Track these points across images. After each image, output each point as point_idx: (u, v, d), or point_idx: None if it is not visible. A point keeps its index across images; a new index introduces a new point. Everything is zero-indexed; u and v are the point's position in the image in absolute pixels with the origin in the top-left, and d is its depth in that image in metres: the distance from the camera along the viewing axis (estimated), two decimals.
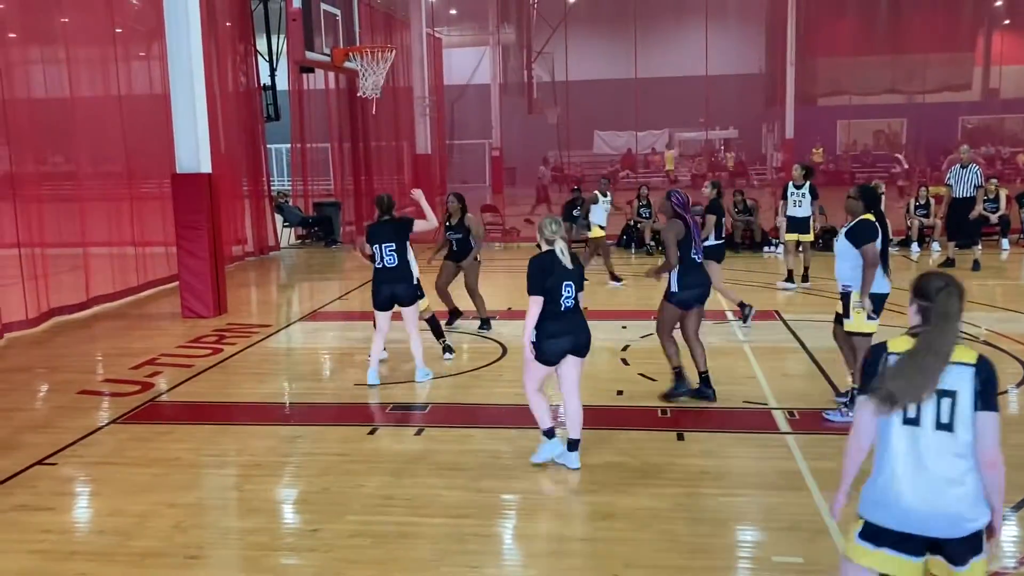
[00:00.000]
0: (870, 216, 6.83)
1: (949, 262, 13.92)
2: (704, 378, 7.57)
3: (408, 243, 8.25)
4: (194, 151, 11.44)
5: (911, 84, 31.05)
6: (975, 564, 3.20)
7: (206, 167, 11.57)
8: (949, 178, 14.27)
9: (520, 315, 11.12)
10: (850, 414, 6.55)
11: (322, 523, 5.36)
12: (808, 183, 12.53)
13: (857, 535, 3.33)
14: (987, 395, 3.18)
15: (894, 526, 3.23)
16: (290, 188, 21.60)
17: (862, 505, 3.33)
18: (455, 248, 10.31)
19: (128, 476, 6.19)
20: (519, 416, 6.99)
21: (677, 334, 7.63)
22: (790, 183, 12.82)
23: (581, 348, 6.00)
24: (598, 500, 5.59)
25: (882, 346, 3.31)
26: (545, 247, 5.97)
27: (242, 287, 14.44)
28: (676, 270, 7.40)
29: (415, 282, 8.31)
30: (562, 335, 5.89)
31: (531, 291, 5.81)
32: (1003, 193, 16.60)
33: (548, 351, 5.90)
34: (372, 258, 8.26)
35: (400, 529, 5.26)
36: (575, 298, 5.94)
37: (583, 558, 4.88)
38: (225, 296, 12.00)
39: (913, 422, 3.19)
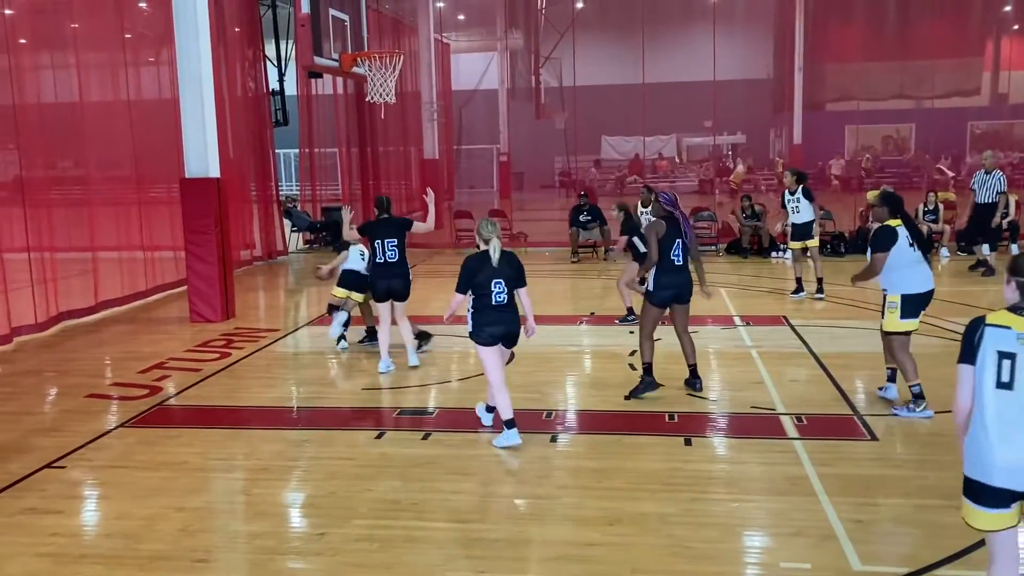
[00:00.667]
0: (894, 222, 7.11)
1: (981, 263, 14.17)
2: (692, 370, 7.89)
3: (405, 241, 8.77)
4: (203, 156, 11.49)
5: (920, 89, 31.02)
6: None
7: (215, 171, 11.62)
8: (973, 183, 14.49)
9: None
10: (916, 411, 7.07)
11: (329, 527, 5.37)
12: (801, 187, 12.30)
13: (963, 494, 3.77)
14: None
15: (986, 481, 3.65)
16: (298, 193, 21.65)
17: (965, 464, 3.79)
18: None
19: (136, 480, 6.21)
20: (526, 421, 6.99)
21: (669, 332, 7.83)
22: (785, 191, 12.66)
23: (508, 339, 6.64)
24: (605, 505, 5.58)
25: (980, 319, 3.67)
26: (482, 247, 6.59)
27: (250, 291, 14.48)
28: (655, 270, 7.69)
29: (410, 277, 8.86)
30: (494, 324, 6.53)
31: (457, 288, 6.59)
32: (1012, 199, 16.53)
33: (485, 336, 6.53)
34: (332, 273, 9.41)
35: (407, 533, 5.26)
36: (507, 294, 6.53)
37: (590, 563, 4.87)
38: (233, 300, 12.03)
39: (1007, 386, 3.57)
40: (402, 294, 8.78)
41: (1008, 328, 3.59)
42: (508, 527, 5.41)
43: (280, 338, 10.77)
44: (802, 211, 12.29)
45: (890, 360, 7.38)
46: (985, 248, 14.30)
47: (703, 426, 7.12)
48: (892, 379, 7.54)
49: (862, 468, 6.11)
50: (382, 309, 8.84)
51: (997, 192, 14.07)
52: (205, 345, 10.34)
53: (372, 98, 13.69)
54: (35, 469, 6.42)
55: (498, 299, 6.50)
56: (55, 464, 6.53)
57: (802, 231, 12.38)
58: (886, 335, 7.24)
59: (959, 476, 5.82)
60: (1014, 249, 16.00)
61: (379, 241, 8.63)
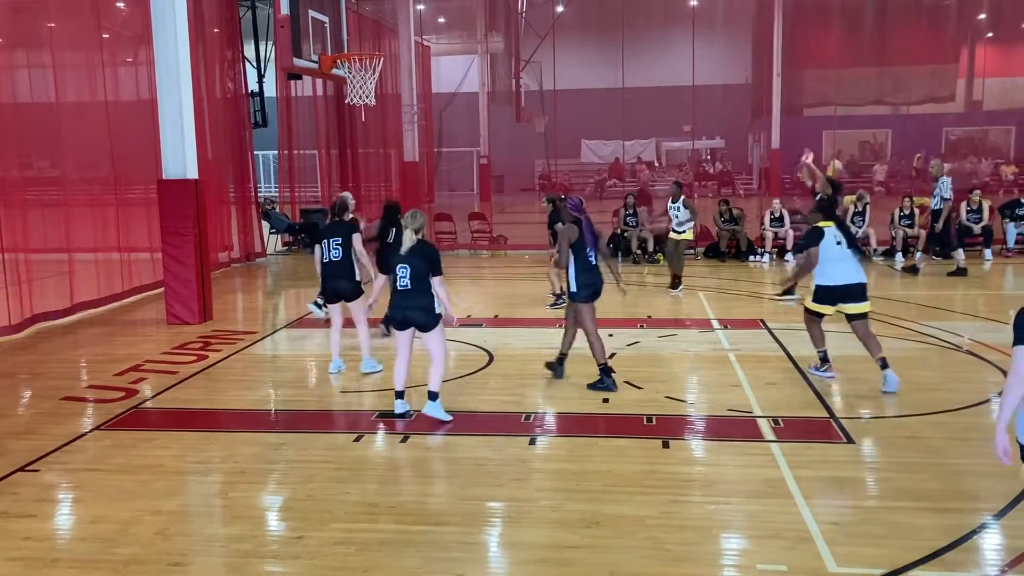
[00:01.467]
0: (825, 224, 8.19)
1: (960, 271, 14.43)
2: (604, 369, 8.19)
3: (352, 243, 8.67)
4: (180, 157, 11.42)
5: (896, 95, 31.33)
6: None
7: (192, 173, 11.55)
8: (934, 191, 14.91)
9: (506, 322, 11.14)
10: (820, 371, 8.44)
11: (306, 531, 5.35)
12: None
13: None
14: None
15: None
16: (277, 195, 21.56)
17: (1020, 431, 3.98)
18: None
19: (111, 483, 6.15)
20: (505, 424, 7.00)
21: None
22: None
23: (407, 322, 7.18)
24: (584, 508, 5.60)
25: None
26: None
27: (228, 294, 14.40)
28: (573, 270, 8.15)
29: (358, 278, 8.78)
30: (394, 308, 7.20)
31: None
32: (986, 204, 16.76)
33: (392, 317, 7.32)
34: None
35: (384, 537, 5.25)
36: (409, 279, 7.02)
37: (568, 566, 4.88)
38: (211, 302, 11.96)
39: None
40: (350, 295, 8.79)
41: None
42: (486, 530, 5.41)
43: (258, 340, 10.72)
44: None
45: (876, 351, 8.01)
46: (918, 255, 15.19)
47: (681, 429, 7.15)
48: (884, 366, 7.94)
49: (838, 470, 6.17)
50: (333, 311, 8.97)
51: (942, 199, 14.58)
52: (182, 347, 10.27)
53: (352, 100, 13.65)
54: (8, 472, 6.35)
55: (401, 283, 7.06)
56: (28, 467, 6.46)
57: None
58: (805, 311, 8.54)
59: (934, 478, 5.93)
60: (987, 254, 16.20)
61: (324, 241, 8.69)
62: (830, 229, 8.12)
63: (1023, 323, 3.97)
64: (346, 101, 14.08)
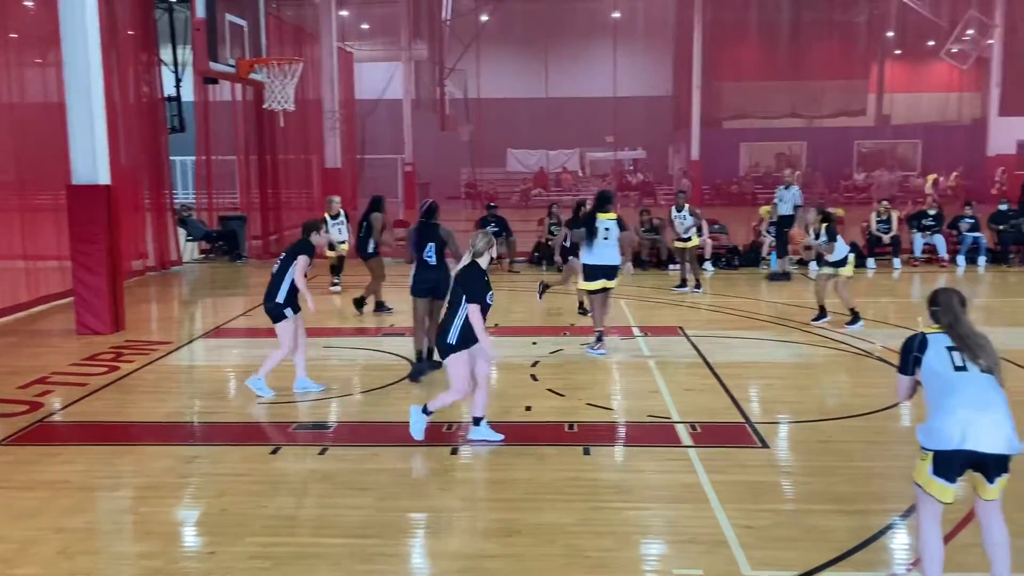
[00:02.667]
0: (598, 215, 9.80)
1: (784, 275, 15.52)
2: (425, 353, 9.08)
3: (295, 264, 8.12)
4: (91, 162, 11.05)
5: (810, 109, 32.34)
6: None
7: (104, 178, 11.18)
8: (776, 197, 16.27)
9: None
10: (595, 350, 9.81)
11: (220, 545, 5.20)
12: (825, 227, 11.16)
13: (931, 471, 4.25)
14: None
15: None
16: (195, 201, 21.05)
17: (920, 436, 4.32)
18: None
19: (11, 501, 5.88)
20: (427, 433, 6.93)
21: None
22: (808, 228, 11.68)
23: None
24: (505, 517, 5.58)
25: (918, 333, 4.50)
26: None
27: (142, 303, 13.98)
28: (414, 267, 9.06)
29: (280, 300, 8.11)
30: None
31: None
32: (895, 215, 17.39)
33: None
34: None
35: (302, 550, 5.14)
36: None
37: (489, 575, 4.85)
38: (123, 312, 11.58)
39: (962, 369, 4.31)
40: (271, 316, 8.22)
41: (943, 333, 4.43)
42: (406, 542, 5.35)
43: (173, 351, 10.42)
44: (836, 249, 11.15)
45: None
46: (773, 259, 16.07)
47: (601, 435, 7.20)
48: (600, 339, 9.86)
49: (753, 475, 6.28)
50: (285, 330, 8.20)
51: (794, 205, 15.62)
52: (92, 358, 9.92)
53: (270, 105, 13.43)
54: None
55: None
56: None
57: (837, 265, 11.21)
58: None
59: (845, 481, 6.09)
60: (896, 263, 16.78)
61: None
62: (601, 220, 9.75)
63: (901, 352, 4.53)
64: (264, 106, 13.85)
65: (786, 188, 16.09)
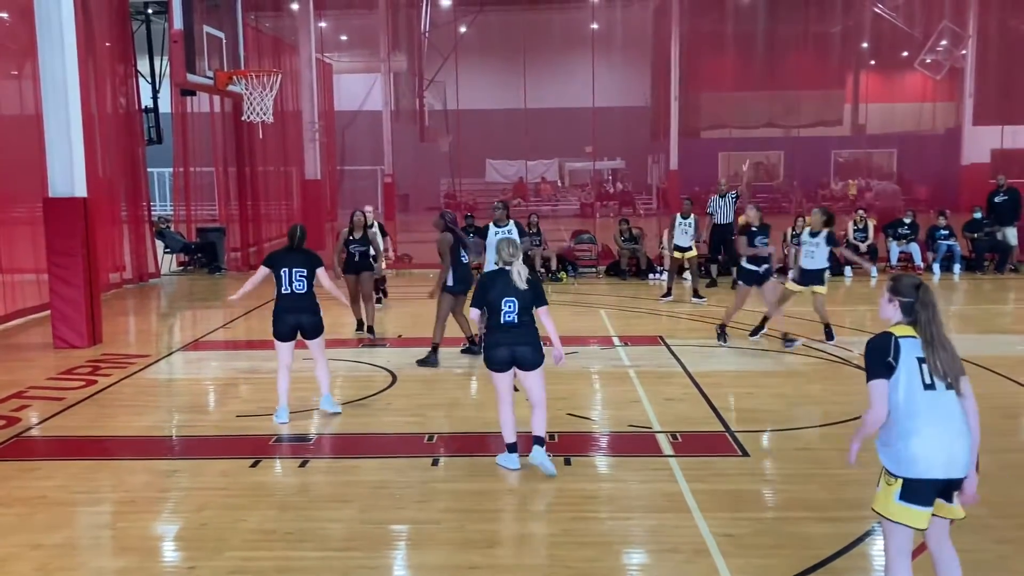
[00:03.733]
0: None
1: (712, 283, 15.89)
2: (472, 340, 10.02)
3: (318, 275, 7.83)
4: (68, 174, 10.98)
5: (787, 119, 32.61)
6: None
7: (81, 191, 11.11)
8: (710, 208, 16.50)
9: (410, 342, 11.05)
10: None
11: (199, 560, 5.17)
12: (828, 231, 10.61)
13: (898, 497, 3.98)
14: None
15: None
16: (172, 213, 20.92)
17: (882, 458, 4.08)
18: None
19: None
20: (407, 445, 6.93)
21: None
22: (806, 229, 10.85)
23: (520, 360, 6.43)
24: (486, 528, 5.58)
25: (888, 335, 4.10)
26: (502, 265, 6.57)
27: (120, 316, 13.87)
28: (451, 269, 9.72)
29: (320, 313, 7.87)
30: (501, 346, 6.42)
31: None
32: (871, 223, 17.57)
33: (491, 359, 6.50)
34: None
35: (282, 564, 5.11)
36: (517, 314, 6.40)
37: None
38: (100, 325, 11.49)
39: (931, 387, 3.98)
40: (311, 331, 7.84)
41: (915, 337, 4.04)
42: (388, 554, 5.34)
43: (151, 364, 10.34)
44: (818, 257, 10.66)
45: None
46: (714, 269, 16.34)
47: (583, 445, 7.22)
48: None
49: (733, 483, 6.32)
50: (284, 351, 7.80)
51: (733, 212, 16.05)
52: (69, 372, 9.84)
53: (248, 117, 13.39)
54: None
55: (508, 319, 6.40)
56: None
57: (812, 276, 10.75)
58: None
59: (823, 488, 6.14)
60: (873, 271, 16.95)
61: (285, 270, 7.69)
62: (497, 228, 10.86)
63: (873, 355, 4.05)
64: (243, 118, 13.80)
65: (721, 197, 16.19)
